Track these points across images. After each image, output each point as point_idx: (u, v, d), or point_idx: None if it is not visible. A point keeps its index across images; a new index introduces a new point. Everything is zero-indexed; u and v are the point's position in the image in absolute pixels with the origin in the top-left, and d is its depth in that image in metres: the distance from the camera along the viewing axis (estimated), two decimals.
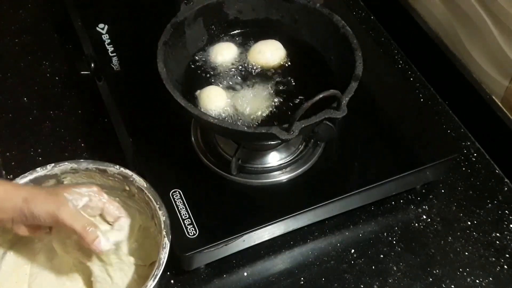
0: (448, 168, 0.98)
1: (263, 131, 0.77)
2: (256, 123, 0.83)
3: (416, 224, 0.94)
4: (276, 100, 0.85)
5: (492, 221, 0.94)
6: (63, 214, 0.71)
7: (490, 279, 0.88)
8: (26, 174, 0.80)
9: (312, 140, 0.93)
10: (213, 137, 0.93)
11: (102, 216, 0.79)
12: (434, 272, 0.88)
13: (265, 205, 0.88)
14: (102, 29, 1.07)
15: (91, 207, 0.76)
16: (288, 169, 0.91)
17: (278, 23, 0.93)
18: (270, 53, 0.89)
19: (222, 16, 0.92)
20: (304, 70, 0.89)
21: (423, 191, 0.97)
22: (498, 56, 0.99)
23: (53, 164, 0.81)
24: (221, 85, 0.87)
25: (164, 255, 0.75)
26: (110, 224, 0.79)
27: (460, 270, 0.89)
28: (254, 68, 0.89)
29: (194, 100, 0.85)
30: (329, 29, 0.88)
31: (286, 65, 0.89)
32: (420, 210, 0.95)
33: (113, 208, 0.78)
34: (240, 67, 0.89)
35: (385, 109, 0.99)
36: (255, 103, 0.85)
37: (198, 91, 0.86)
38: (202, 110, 0.83)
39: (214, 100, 0.84)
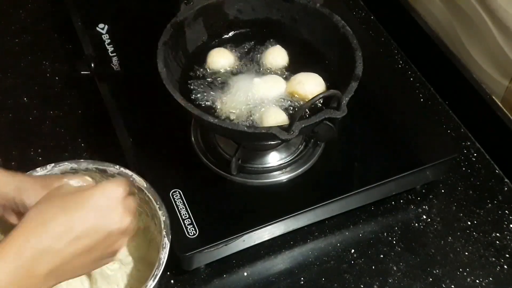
0: (448, 168, 0.98)
1: (263, 131, 0.77)
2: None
3: (416, 224, 0.94)
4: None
5: (492, 221, 0.94)
6: None
7: (490, 279, 0.88)
8: (26, 174, 0.80)
9: (312, 140, 0.93)
10: (213, 137, 0.93)
11: None
12: (434, 272, 0.88)
13: (265, 205, 0.88)
14: (102, 29, 1.07)
15: None
16: (288, 169, 0.91)
17: (278, 23, 0.93)
18: (308, 86, 0.86)
19: (222, 16, 0.92)
20: (304, 70, 0.89)
21: (423, 191, 0.97)
22: (498, 56, 0.99)
23: (53, 164, 0.81)
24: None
25: (164, 255, 0.75)
26: None
27: (460, 270, 0.89)
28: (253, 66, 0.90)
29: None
30: (329, 29, 0.88)
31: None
32: (420, 210, 0.95)
33: None
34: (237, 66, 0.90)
35: (385, 109, 0.99)
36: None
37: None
38: (209, 70, 0.88)
39: (219, 60, 0.88)
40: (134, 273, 0.82)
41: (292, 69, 0.89)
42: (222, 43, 0.93)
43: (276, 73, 0.89)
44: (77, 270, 0.61)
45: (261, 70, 0.89)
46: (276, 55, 0.90)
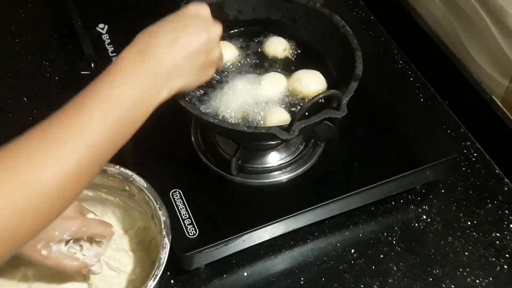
0: (448, 168, 0.98)
1: (263, 131, 0.77)
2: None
3: (416, 224, 0.94)
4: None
5: (492, 221, 0.94)
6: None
7: (490, 279, 0.88)
8: None
9: (312, 140, 0.93)
10: (213, 137, 0.93)
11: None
12: (434, 272, 0.88)
13: (265, 205, 0.88)
14: (102, 29, 1.07)
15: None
16: (288, 169, 0.91)
17: (278, 23, 0.93)
18: (307, 83, 0.85)
19: (222, 16, 0.92)
20: (305, 68, 0.89)
21: (423, 191, 0.97)
22: (498, 56, 0.99)
23: None
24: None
25: (164, 255, 0.75)
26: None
27: (460, 270, 0.89)
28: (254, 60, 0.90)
29: None
30: (329, 29, 0.88)
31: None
32: (420, 210, 0.95)
33: (99, 229, 0.77)
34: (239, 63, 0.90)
35: (385, 109, 0.99)
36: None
37: None
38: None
39: (224, 52, 0.86)
40: (134, 273, 0.82)
41: (292, 67, 0.89)
42: None
43: (277, 62, 0.90)
44: (186, 74, 0.71)
45: (262, 62, 0.90)
46: (277, 45, 0.91)
